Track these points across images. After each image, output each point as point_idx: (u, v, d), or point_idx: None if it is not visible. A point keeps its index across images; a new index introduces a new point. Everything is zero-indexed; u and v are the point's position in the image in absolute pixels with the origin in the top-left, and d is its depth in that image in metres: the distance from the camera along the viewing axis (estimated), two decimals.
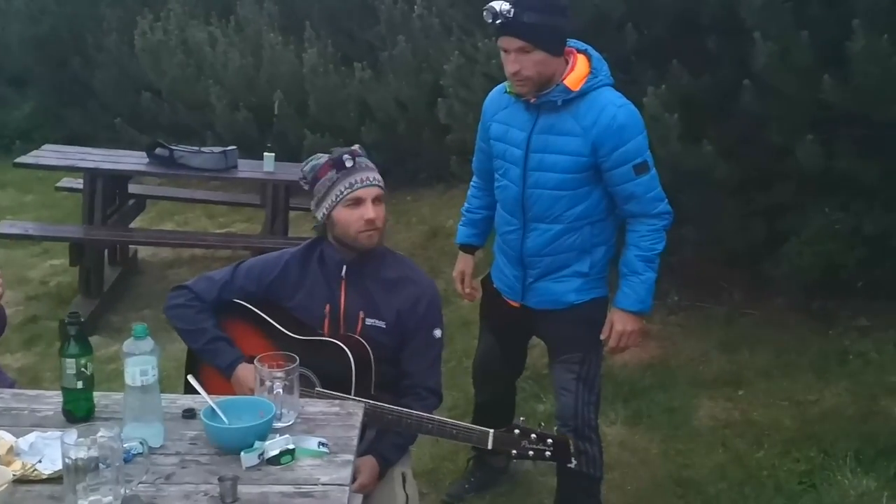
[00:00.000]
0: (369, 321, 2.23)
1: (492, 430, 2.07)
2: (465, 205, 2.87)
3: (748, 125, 3.58)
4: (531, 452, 2.02)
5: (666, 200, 2.48)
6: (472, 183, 2.85)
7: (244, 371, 2.16)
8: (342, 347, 2.16)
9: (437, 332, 2.28)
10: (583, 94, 2.39)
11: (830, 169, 3.43)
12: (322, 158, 2.27)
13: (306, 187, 2.31)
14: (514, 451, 2.03)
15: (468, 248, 2.87)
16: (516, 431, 2.04)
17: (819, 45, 3.22)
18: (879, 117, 3.23)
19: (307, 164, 2.29)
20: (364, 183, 2.21)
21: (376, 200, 2.23)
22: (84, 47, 8.59)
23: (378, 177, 2.26)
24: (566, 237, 2.50)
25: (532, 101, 2.43)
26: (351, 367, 2.15)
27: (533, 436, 2.02)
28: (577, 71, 2.41)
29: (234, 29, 7.56)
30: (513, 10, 2.31)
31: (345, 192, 2.21)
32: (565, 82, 2.39)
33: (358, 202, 2.20)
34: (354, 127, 6.50)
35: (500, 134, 2.55)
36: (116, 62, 8.20)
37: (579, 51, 2.45)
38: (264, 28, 7.21)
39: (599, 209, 2.49)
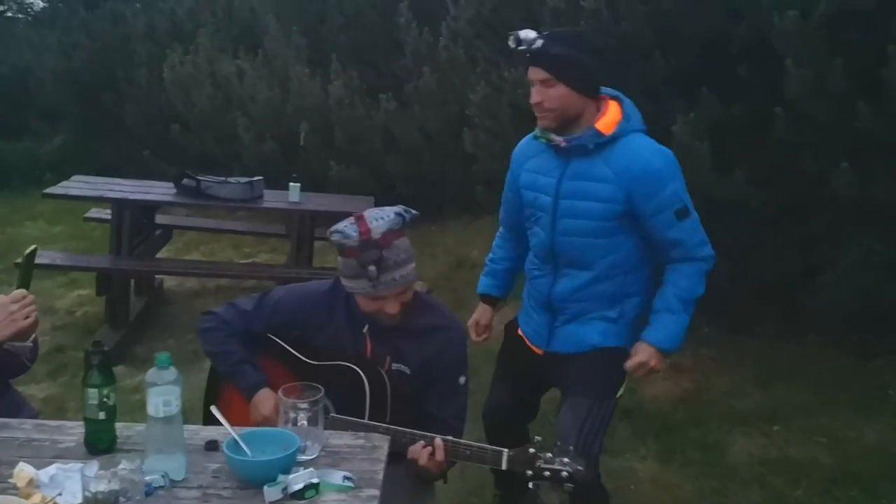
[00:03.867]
0: (395, 366, 2.18)
1: (506, 450, 1.98)
2: (490, 254, 2.80)
3: (781, 154, 3.51)
4: (547, 473, 1.91)
5: (710, 244, 2.38)
6: (497, 233, 2.78)
7: (261, 396, 2.14)
8: (358, 372, 2.12)
9: (462, 379, 2.22)
10: (615, 138, 2.33)
11: (867, 198, 3.35)
12: (350, 239, 2.07)
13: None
14: (530, 472, 1.92)
15: (487, 299, 2.78)
16: (531, 450, 1.94)
17: (853, 72, 3.16)
18: None
19: (336, 231, 2.12)
20: (390, 286, 2.09)
21: (402, 293, 2.12)
22: (115, 81, 8.76)
23: (405, 273, 2.09)
24: (598, 285, 2.42)
25: (563, 145, 2.37)
26: (366, 392, 2.10)
27: (549, 454, 1.92)
28: (609, 116, 2.35)
29: (261, 62, 7.66)
30: (540, 41, 2.29)
31: (366, 290, 2.10)
32: (597, 126, 2.33)
33: (379, 299, 2.11)
34: (380, 158, 6.53)
35: (530, 182, 2.49)
36: (146, 95, 8.34)
37: (612, 98, 2.40)
38: (291, 61, 7.30)
39: (633, 258, 2.41)
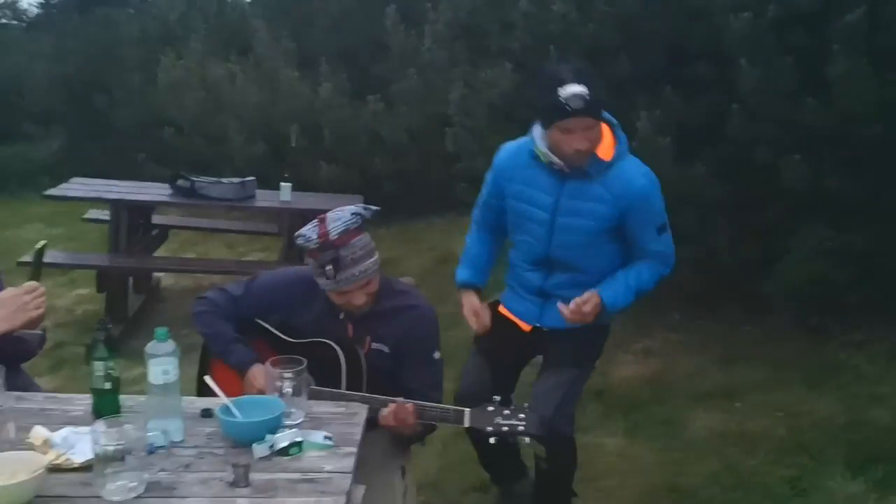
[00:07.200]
0: (375, 345, 2.35)
1: (467, 409, 2.15)
2: (466, 249, 2.84)
3: (738, 147, 3.73)
4: (505, 428, 2.10)
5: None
6: (472, 231, 2.81)
7: (254, 371, 2.31)
8: (334, 349, 2.30)
9: (436, 354, 2.39)
10: (612, 163, 2.45)
11: (818, 188, 3.57)
12: (310, 242, 2.24)
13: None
14: (490, 429, 2.10)
15: (472, 287, 2.81)
16: (490, 408, 2.12)
17: (802, 70, 3.38)
18: (862, 137, 3.37)
19: (299, 236, 2.28)
20: (349, 282, 2.24)
21: (365, 286, 2.26)
22: (108, 85, 8.91)
23: (363, 268, 2.24)
24: (589, 279, 2.58)
25: (566, 170, 2.46)
26: (342, 368, 2.28)
27: (506, 411, 2.10)
28: (606, 141, 2.46)
29: (251, 65, 7.83)
30: (586, 90, 2.29)
31: (330, 287, 2.27)
32: (597, 153, 2.43)
33: (344, 293, 2.29)
34: (367, 157, 6.72)
35: (520, 194, 2.57)
36: (139, 99, 8.48)
37: (603, 120, 2.48)
38: (281, 64, 7.47)
39: (618, 259, 2.60)
